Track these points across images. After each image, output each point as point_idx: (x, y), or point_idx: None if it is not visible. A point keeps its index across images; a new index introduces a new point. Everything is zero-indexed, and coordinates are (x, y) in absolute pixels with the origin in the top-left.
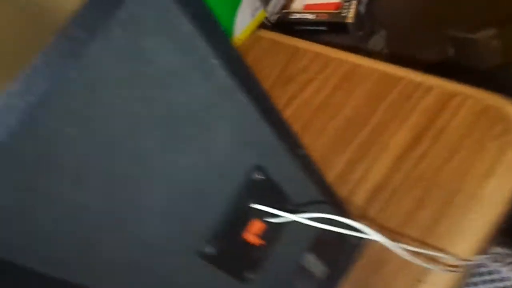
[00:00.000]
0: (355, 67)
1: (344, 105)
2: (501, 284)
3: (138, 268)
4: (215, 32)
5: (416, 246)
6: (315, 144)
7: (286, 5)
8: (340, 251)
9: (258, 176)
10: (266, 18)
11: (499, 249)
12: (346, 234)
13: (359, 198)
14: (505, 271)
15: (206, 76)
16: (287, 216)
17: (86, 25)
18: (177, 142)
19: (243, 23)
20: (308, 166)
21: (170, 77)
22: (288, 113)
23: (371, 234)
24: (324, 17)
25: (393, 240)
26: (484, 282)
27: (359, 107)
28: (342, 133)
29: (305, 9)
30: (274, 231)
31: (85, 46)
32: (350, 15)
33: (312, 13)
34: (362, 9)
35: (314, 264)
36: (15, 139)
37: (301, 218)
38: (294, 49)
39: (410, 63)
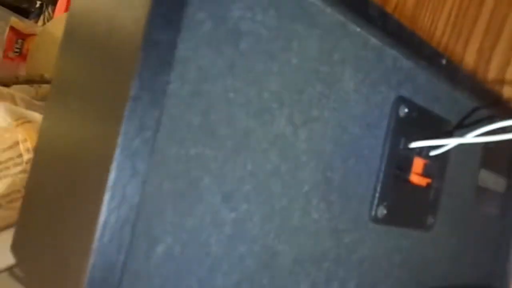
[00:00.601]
0: None
1: None
2: None
3: (315, 259)
4: None
5: None
6: None
7: None
8: None
9: (405, 109)
10: None
11: None
12: None
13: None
14: None
15: (311, 22)
16: (451, 142)
17: (164, 22)
18: (310, 110)
19: None
20: (455, 75)
21: (273, 42)
22: None
23: None
24: None
25: None
26: None
27: None
28: (457, 23)
29: None
30: (439, 162)
31: (173, 48)
32: None
33: None
34: None
35: (491, 180)
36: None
37: (467, 139)
38: None
39: None
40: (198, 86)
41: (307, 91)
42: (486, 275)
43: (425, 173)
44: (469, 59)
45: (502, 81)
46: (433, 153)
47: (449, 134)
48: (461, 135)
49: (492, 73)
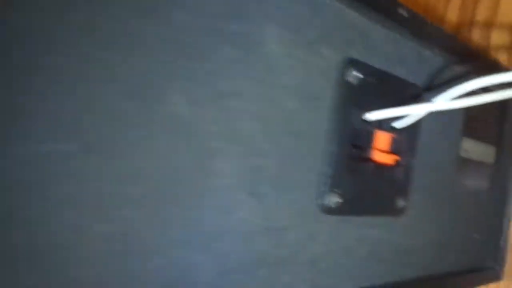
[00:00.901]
0: None
1: None
2: None
3: (246, 267)
4: None
5: None
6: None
7: None
8: (503, 120)
9: (357, 74)
10: None
11: None
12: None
13: (498, 43)
14: None
15: None
16: (419, 110)
17: None
18: (217, 82)
19: None
20: (420, 28)
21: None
22: None
23: None
24: None
25: None
26: None
27: None
28: None
29: None
30: (409, 134)
31: None
32: None
33: None
34: None
35: (477, 150)
36: None
37: (439, 105)
38: None
39: None
40: (33, 59)
41: (211, 57)
42: (478, 255)
43: (391, 149)
44: (452, 15)
45: (487, 34)
46: (398, 124)
47: (416, 100)
48: (432, 100)
49: (476, 29)
